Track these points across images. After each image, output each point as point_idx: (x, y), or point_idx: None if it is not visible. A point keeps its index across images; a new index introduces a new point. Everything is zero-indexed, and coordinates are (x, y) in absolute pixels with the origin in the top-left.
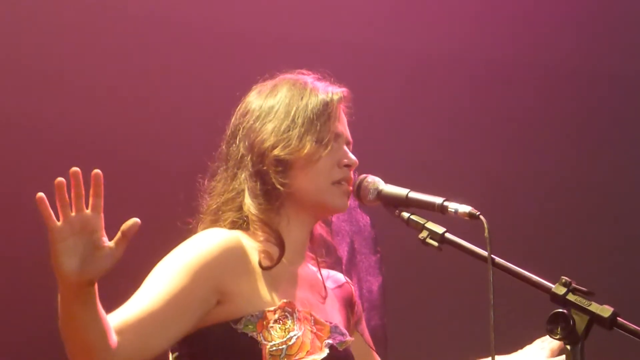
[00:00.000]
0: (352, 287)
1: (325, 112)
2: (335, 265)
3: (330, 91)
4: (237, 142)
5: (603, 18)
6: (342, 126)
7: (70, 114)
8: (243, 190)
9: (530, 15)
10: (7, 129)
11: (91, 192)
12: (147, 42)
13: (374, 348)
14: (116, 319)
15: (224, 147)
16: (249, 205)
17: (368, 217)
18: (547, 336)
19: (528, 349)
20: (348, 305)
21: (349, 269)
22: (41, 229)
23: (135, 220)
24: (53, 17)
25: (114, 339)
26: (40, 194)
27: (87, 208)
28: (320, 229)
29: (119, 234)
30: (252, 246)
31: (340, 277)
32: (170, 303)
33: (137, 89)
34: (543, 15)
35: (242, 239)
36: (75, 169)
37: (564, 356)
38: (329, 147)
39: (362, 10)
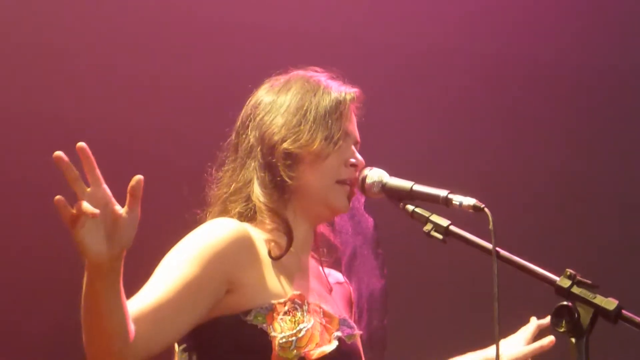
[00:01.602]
0: (350, 287)
1: (337, 110)
2: (335, 265)
3: (343, 90)
4: (248, 133)
5: (604, 13)
6: (352, 126)
7: (75, 109)
8: (252, 180)
9: (533, 10)
10: (12, 125)
11: (85, 169)
12: (153, 37)
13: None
14: (132, 308)
15: (233, 137)
16: (258, 194)
17: (372, 219)
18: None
19: (504, 341)
20: (348, 304)
21: (349, 270)
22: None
23: (138, 177)
24: (62, 11)
25: (132, 328)
26: (58, 197)
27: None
28: (322, 228)
29: (128, 197)
30: (260, 237)
31: (340, 276)
32: (183, 292)
33: (144, 83)
34: (545, 11)
35: (250, 231)
36: (57, 153)
37: (540, 342)
38: (338, 145)
39: (367, 7)
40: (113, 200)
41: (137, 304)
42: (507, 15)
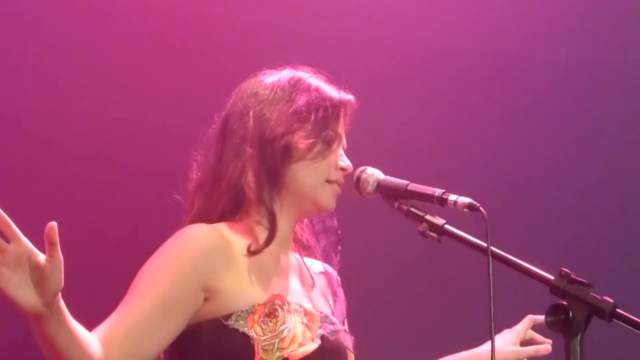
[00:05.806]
0: (331, 276)
1: (335, 113)
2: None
3: (341, 95)
4: (243, 121)
5: (606, 9)
6: (342, 131)
7: (63, 112)
8: (245, 170)
9: (534, 7)
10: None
11: (1, 227)
12: (146, 37)
13: (351, 350)
14: (103, 330)
15: (219, 125)
16: (251, 183)
17: (335, 218)
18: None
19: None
20: (331, 293)
21: (325, 261)
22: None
23: (51, 224)
24: (51, 13)
25: (98, 352)
26: None
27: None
28: (298, 226)
29: (46, 245)
30: (238, 237)
31: (321, 266)
32: (156, 307)
33: (133, 84)
34: (547, 8)
35: (225, 232)
36: None
37: (535, 346)
38: (333, 148)
39: (365, 4)
40: (35, 251)
41: (109, 326)
42: (504, 12)
